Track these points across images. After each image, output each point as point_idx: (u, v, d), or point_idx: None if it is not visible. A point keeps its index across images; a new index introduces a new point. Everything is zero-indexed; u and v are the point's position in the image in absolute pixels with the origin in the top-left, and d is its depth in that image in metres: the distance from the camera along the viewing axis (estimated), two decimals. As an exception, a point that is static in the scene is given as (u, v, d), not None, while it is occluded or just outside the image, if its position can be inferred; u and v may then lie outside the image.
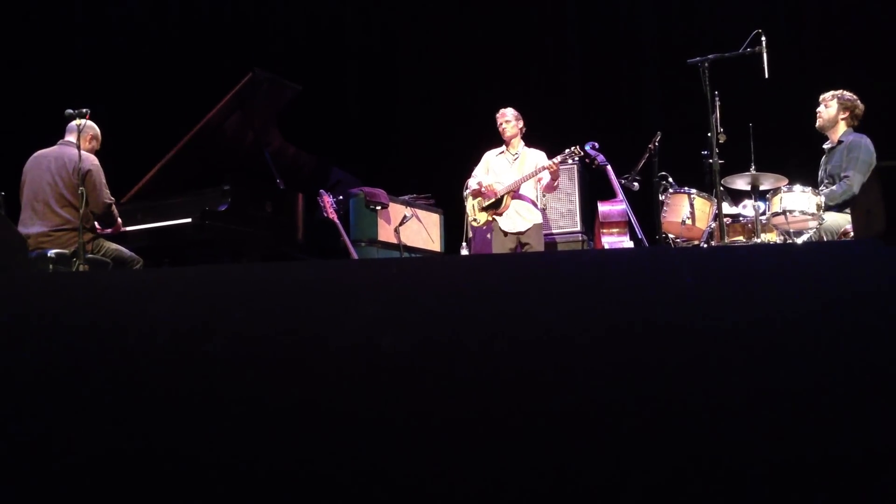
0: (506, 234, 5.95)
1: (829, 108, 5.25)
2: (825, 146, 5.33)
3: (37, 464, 1.62)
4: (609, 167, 5.99)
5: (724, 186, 4.91)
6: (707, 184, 5.13)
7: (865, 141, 5.11)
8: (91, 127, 5.14)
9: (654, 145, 5.60)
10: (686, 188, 5.35)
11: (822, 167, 5.34)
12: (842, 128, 5.22)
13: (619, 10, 7.86)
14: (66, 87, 7.56)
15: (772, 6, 7.18)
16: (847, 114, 5.21)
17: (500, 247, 5.97)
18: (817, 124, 5.31)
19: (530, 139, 6.23)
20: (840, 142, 5.19)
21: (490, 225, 6.09)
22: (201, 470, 1.57)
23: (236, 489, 1.54)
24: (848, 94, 5.24)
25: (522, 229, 5.93)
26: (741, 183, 5.00)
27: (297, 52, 8.45)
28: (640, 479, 1.41)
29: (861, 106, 5.23)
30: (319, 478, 1.52)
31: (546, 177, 5.87)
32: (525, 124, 6.16)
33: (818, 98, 5.34)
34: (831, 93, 5.28)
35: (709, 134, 4.70)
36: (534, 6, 8.12)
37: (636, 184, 5.81)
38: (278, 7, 8.60)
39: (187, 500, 1.55)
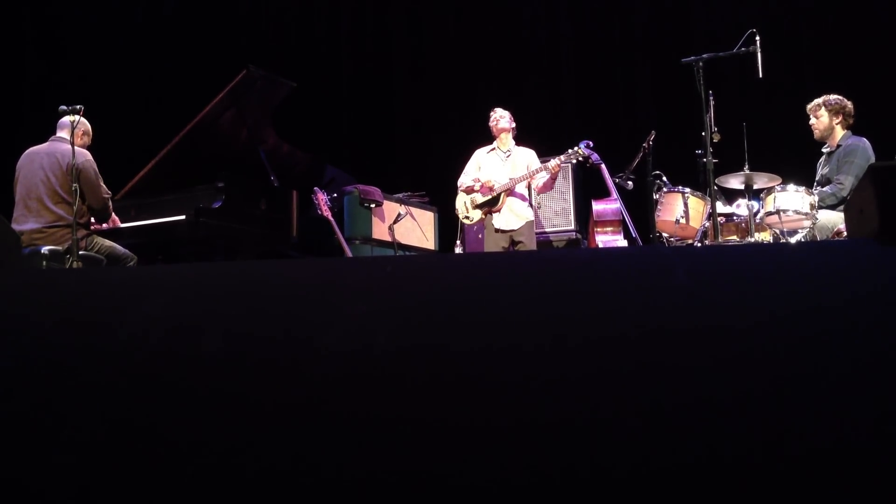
0: (499, 231, 5.95)
1: (820, 117, 5.24)
2: (824, 149, 5.33)
3: (27, 462, 1.62)
4: (603, 166, 5.99)
5: (717, 186, 4.92)
6: (701, 183, 5.14)
7: (863, 144, 5.10)
8: (83, 123, 5.14)
9: (649, 144, 5.60)
10: (680, 187, 5.36)
11: (818, 169, 5.35)
12: (839, 132, 5.22)
13: (613, 9, 7.86)
14: (59, 84, 7.53)
15: (766, 6, 7.19)
16: (839, 117, 5.21)
17: (492, 245, 5.97)
18: (815, 136, 5.31)
19: (525, 137, 6.24)
20: (840, 146, 5.18)
21: (481, 223, 6.09)
22: (193, 467, 1.57)
23: (228, 488, 1.54)
24: (833, 98, 5.23)
25: (516, 227, 5.94)
26: (735, 182, 5.01)
27: (291, 49, 8.44)
28: (636, 482, 1.42)
29: (849, 104, 5.22)
30: (312, 478, 1.52)
31: (544, 177, 5.87)
32: (517, 126, 6.18)
33: (810, 101, 5.33)
34: (815, 102, 5.28)
35: (703, 133, 4.71)
36: (528, 5, 8.13)
37: (630, 183, 5.82)
38: (273, 4, 8.58)
39: (178, 498, 1.55)
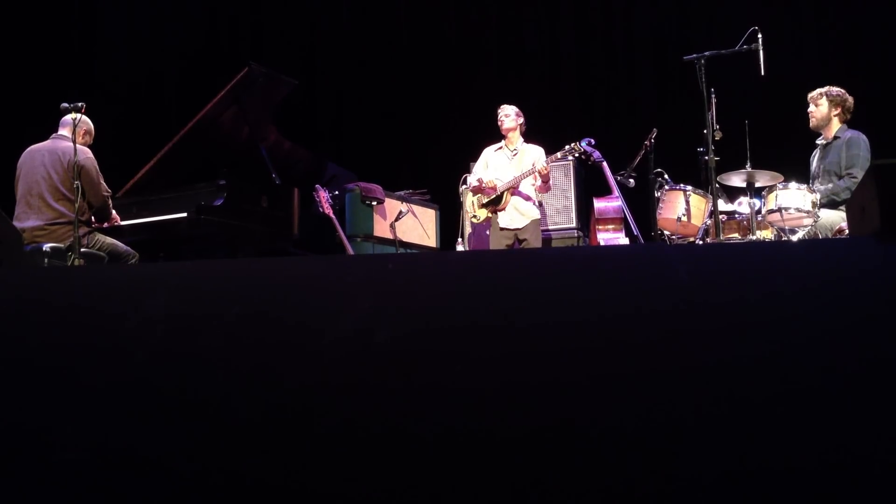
0: (503, 230, 5.96)
1: (820, 106, 5.24)
2: (819, 142, 5.34)
3: (30, 458, 1.62)
4: (605, 163, 5.99)
5: (719, 183, 4.92)
6: (703, 181, 5.14)
7: (864, 138, 5.12)
8: (85, 122, 5.14)
9: (650, 142, 5.60)
10: (682, 185, 5.35)
11: (815, 163, 5.35)
12: (836, 124, 5.22)
13: (615, 6, 7.86)
14: (61, 82, 7.53)
15: (768, 3, 7.18)
16: (839, 109, 5.21)
17: (496, 243, 5.98)
18: (811, 124, 5.31)
19: (526, 135, 6.23)
20: (836, 138, 5.19)
21: (489, 221, 6.09)
22: (195, 465, 1.57)
23: (229, 487, 1.54)
24: (835, 90, 5.24)
25: (520, 226, 5.93)
26: (737, 180, 5.01)
27: (292, 46, 8.44)
28: (639, 485, 1.42)
29: (850, 99, 5.23)
30: (312, 476, 1.52)
31: (538, 179, 5.88)
32: (525, 122, 6.16)
33: (808, 98, 5.34)
34: (818, 91, 5.28)
35: (704, 131, 4.71)
36: (529, 2, 8.12)
37: (632, 180, 5.81)
38: (274, 1, 8.58)
39: (180, 495, 1.55)
